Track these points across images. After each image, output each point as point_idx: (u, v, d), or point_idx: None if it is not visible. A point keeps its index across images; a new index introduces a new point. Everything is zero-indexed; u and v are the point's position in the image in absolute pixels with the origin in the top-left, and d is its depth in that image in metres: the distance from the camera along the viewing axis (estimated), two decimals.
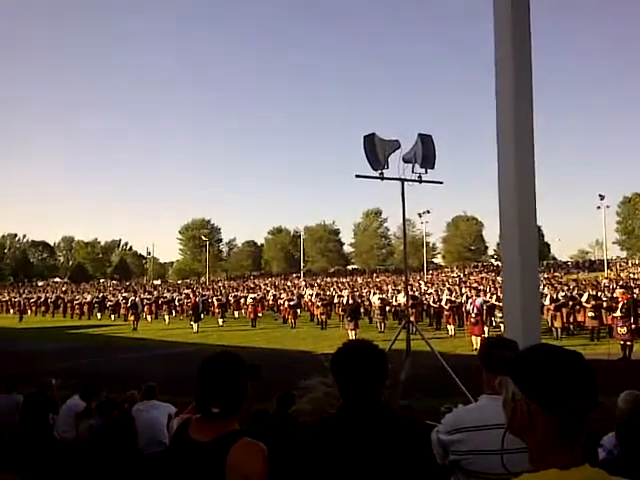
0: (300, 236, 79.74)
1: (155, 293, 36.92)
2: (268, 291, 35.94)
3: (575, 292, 21.30)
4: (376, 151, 8.19)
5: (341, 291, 30.79)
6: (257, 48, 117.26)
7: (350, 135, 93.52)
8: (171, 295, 33.83)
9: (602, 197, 55.97)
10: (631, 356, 13.61)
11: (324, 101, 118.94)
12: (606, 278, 39.74)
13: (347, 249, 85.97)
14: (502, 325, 7.47)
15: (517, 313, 4.03)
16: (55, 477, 5.50)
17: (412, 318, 15.63)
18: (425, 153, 8.27)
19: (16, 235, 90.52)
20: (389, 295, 26.56)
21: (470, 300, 18.39)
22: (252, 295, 28.62)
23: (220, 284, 59.27)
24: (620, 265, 63.92)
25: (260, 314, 26.76)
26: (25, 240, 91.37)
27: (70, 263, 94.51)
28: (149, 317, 29.48)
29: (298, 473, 2.04)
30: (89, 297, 36.76)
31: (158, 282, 76.81)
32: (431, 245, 78.28)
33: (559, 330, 17.97)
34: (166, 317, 28.94)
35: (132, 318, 25.93)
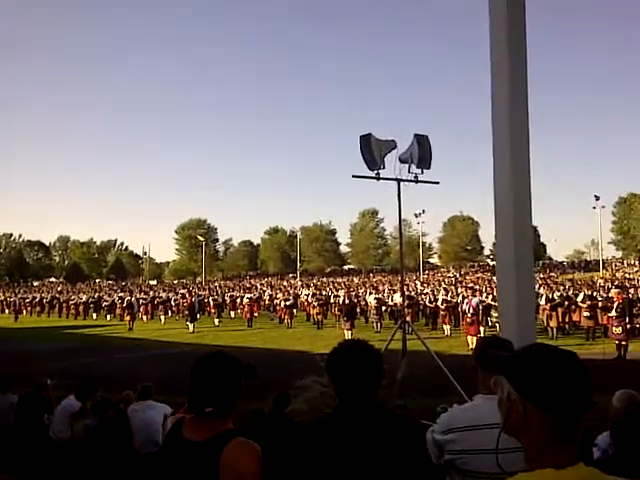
0: (296, 236, 79.78)
1: (151, 293, 36.79)
2: (264, 291, 35.88)
3: (571, 292, 21.32)
4: (372, 151, 8.21)
5: (337, 291, 30.77)
6: (257, 48, 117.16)
7: (347, 135, 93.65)
8: (167, 295, 33.74)
9: (597, 198, 56.25)
10: (626, 356, 13.66)
11: (321, 101, 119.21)
12: (601, 278, 39.84)
13: (343, 249, 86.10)
14: (498, 325, 7.49)
15: (512, 313, 4.04)
16: (51, 477, 5.49)
17: (408, 318, 15.67)
18: (421, 153, 8.29)
19: (11, 235, 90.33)
20: (385, 295, 26.55)
21: (466, 300, 18.42)
22: (248, 295, 28.56)
23: (216, 284, 59.19)
24: (615, 265, 64.18)
25: (256, 314, 26.72)
26: (20, 240, 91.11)
27: (66, 263, 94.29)
28: (145, 317, 29.40)
29: (294, 473, 2.04)
30: (85, 297, 36.65)
31: (154, 282, 76.69)
32: (427, 245, 78.46)
33: (555, 330, 18.02)
34: (162, 317, 28.88)
35: (128, 318, 25.89)
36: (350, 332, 18.84)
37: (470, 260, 76.40)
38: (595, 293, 20.04)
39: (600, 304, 17.33)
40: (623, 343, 13.85)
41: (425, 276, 58.66)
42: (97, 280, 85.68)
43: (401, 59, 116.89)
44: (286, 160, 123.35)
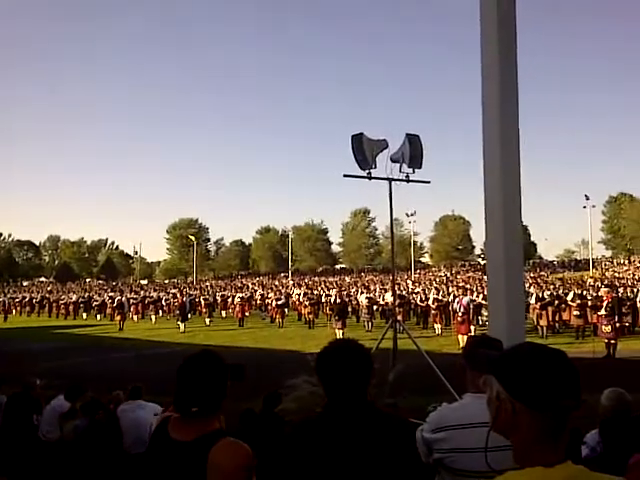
0: (288, 235, 79.73)
1: (142, 293, 36.68)
2: (256, 290, 35.84)
3: (561, 291, 21.48)
4: (364, 151, 8.22)
5: (329, 290, 30.81)
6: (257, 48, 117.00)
7: (339, 135, 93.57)
8: (158, 295, 33.65)
9: (587, 197, 56.72)
10: (615, 354, 13.76)
11: (319, 101, 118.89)
12: (591, 277, 40.11)
13: (335, 248, 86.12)
14: (488, 324, 7.52)
15: (502, 312, 4.05)
16: (40, 478, 5.46)
17: (399, 317, 15.71)
18: (412, 153, 8.31)
19: (1, 234, 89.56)
20: (377, 294, 26.62)
21: (457, 299, 18.51)
22: (240, 295, 28.53)
23: (207, 284, 59.07)
24: (605, 264, 64.61)
25: (248, 314, 26.69)
26: (10, 239, 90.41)
27: (56, 263, 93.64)
28: (135, 317, 29.31)
29: (284, 472, 2.04)
30: (75, 297, 36.48)
31: (145, 282, 76.36)
32: (419, 244, 78.68)
33: (545, 328, 18.13)
34: (153, 317, 28.80)
35: (118, 318, 25.77)
36: (341, 331, 18.85)
37: (461, 259, 76.67)
38: (585, 292, 20.19)
39: (590, 303, 17.47)
40: (612, 342, 13.95)
41: (416, 275, 58.83)
42: (87, 280, 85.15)
43: (400, 59, 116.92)
44: (278, 160, 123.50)
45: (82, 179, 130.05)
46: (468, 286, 26.31)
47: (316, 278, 60.54)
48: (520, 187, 4.37)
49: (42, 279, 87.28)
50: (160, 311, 30.34)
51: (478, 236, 76.08)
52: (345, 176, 8.52)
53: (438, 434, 2.18)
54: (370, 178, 8.35)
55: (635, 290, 21.12)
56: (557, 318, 19.08)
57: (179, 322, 23.71)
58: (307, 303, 24.96)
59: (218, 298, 31.90)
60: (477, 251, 77.51)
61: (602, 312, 14.71)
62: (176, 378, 2.19)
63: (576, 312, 17.58)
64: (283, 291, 32.69)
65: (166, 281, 76.94)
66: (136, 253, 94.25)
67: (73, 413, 5.91)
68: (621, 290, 21.52)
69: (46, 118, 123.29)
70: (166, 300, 31.55)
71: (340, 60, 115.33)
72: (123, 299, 28.83)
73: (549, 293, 19.93)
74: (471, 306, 17.75)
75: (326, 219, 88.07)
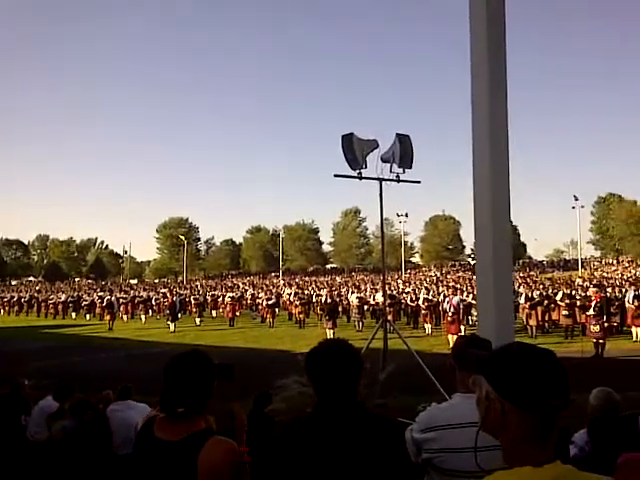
0: (279, 235, 79.62)
1: (131, 292, 36.48)
2: (246, 290, 35.77)
3: (550, 291, 21.60)
4: (354, 151, 8.23)
5: (319, 290, 30.81)
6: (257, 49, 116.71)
7: (330, 134, 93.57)
8: (148, 294, 33.49)
9: (576, 198, 57.08)
10: (603, 354, 13.85)
11: (304, 103, 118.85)
12: (580, 277, 40.38)
13: (326, 248, 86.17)
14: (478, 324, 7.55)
15: (491, 312, 4.07)
16: (28, 479, 5.41)
17: (390, 317, 15.73)
18: (403, 153, 8.33)
19: None
20: (367, 294, 26.64)
21: (447, 299, 18.55)
22: (230, 294, 28.44)
23: (198, 283, 58.88)
24: (594, 264, 65.11)
25: (238, 313, 26.63)
26: None
27: (45, 262, 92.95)
28: (125, 317, 29.17)
29: (274, 473, 2.04)
30: (64, 296, 36.18)
31: (135, 281, 75.98)
32: (409, 244, 78.90)
33: (534, 328, 18.22)
34: (142, 317, 28.67)
35: (108, 318, 25.62)
36: (332, 331, 18.85)
37: (451, 259, 76.96)
38: (574, 292, 20.31)
39: (578, 303, 17.57)
40: (601, 341, 14.04)
41: (407, 275, 58.99)
42: (77, 279, 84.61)
43: (390, 59, 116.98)
44: (269, 160, 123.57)
45: (72, 179, 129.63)
46: (458, 286, 26.39)
47: (307, 278, 60.56)
48: (509, 186, 4.38)
49: (31, 278, 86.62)
50: (150, 311, 30.20)
51: (468, 236, 76.46)
52: (336, 176, 8.53)
53: (427, 434, 2.18)
54: (360, 178, 8.36)
55: (623, 290, 21.27)
56: (546, 318, 19.18)
57: (169, 322, 23.61)
58: (298, 303, 24.94)
59: (208, 298, 31.76)
60: (467, 251, 77.84)
61: (591, 312, 14.80)
62: (163, 378, 2.18)
63: (565, 312, 17.68)
64: (274, 291, 32.64)
65: (156, 281, 76.58)
66: (126, 252, 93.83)
67: (62, 413, 5.87)
68: (609, 290, 21.66)
69: (40, 120, 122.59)
70: (156, 300, 31.41)
71: (333, 61, 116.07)
72: (112, 299, 28.65)
73: (538, 293, 20.01)
74: (461, 306, 17.81)
75: (317, 219, 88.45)
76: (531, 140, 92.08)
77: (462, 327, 17.37)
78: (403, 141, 8.38)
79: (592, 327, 14.36)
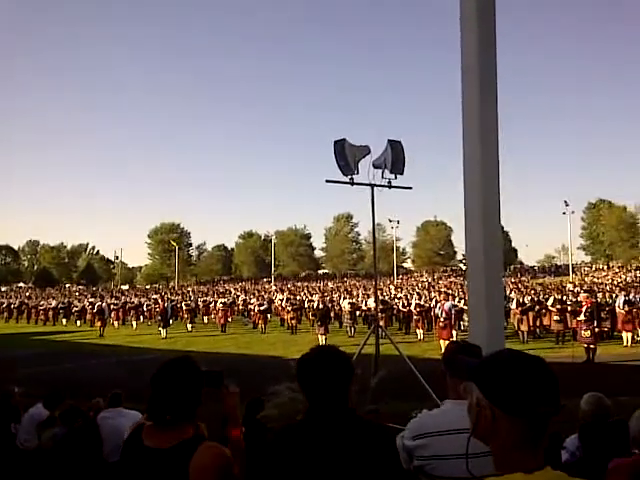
0: (271, 240, 79.47)
1: (122, 298, 36.35)
2: (238, 296, 35.71)
3: (541, 296, 21.68)
4: (346, 156, 8.26)
5: (311, 296, 30.80)
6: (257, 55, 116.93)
7: (322, 140, 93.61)
8: (139, 300, 33.37)
9: (567, 203, 57.40)
10: (594, 359, 13.92)
11: (296, 108, 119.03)
12: (571, 283, 40.58)
13: (318, 253, 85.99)
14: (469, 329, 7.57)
15: (482, 317, 4.08)
16: None
17: (382, 322, 15.73)
18: (394, 159, 8.37)
19: None
20: (359, 300, 26.66)
21: (439, 304, 18.60)
22: (222, 300, 28.38)
23: (189, 289, 58.68)
24: (584, 270, 65.43)
25: (230, 319, 26.56)
26: None
27: (35, 268, 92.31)
28: (116, 323, 29.01)
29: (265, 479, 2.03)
30: (54, 302, 36.00)
31: (126, 287, 75.62)
32: (401, 250, 78.97)
33: (525, 333, 18.29)
34: (134, 323, 28.54)
35: (99, 324, 25.52)
36: (324, 337, 18.83)
37: (443, 265, 77.10)
38: (565, 297, 20.41)
39: (569, 308, 17.66)
40: (592, 346, 14.11)
41: (399, 280, 59.07)
42: (67, 285, 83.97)
43: (390, 65, 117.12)
44: (261, 166, 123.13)
45: (63, 185, 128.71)
46: (450, 291, 26.47)
47: (299, 283, 60.52)
48: (499, 192, 4.40)
49: (21, 284, 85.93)
50: (141, 317, 30.06)
51: (460, 241, 76.35)
52: (327, 181, 8.55)
53: (418, 441, 2.18)
54: (352, 184, 8.39)
55: (614, 295, 21.38)
56: (537, 323, 19.26)
57: (160, 328, 23.52)
58: (290, 308, 24.91)
59: (200, 304, 31.67)
60: (459, 256, 78.02)
61: (581, 317, 14.89)
62: (150, 385, 2.17)
63: (556, 317, 17.76)
64: (266, 296, 32.64)
65: (147, 286, 76.21)
66: (117, 258, 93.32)
67: (52, 421, 5.82)
68: (600, 295, 21.77)
69: (31, 127, 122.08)
70: (147, 306, 31.28)
71: (327, 66, 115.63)
72: (104, 305, 28.55)
73: (530, 298, 20.11)
74: (453, 311, 17.84)
75: (309, 224, 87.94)
76: (522, 145, 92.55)
77: (454, 332, 17.41)
78: (395, 147, 8.42)
79: (583, 332, 14.42)
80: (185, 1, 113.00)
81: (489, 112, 4.42)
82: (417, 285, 45.41)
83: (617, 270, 58.93)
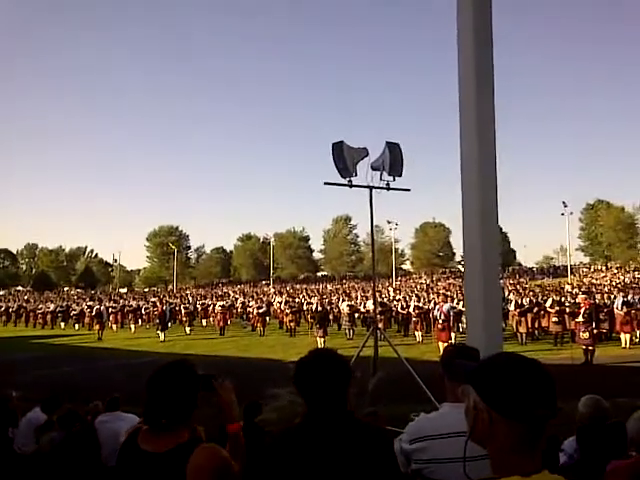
0: (270, 243, 79.47)
1: (121, 301, 36.27)
2: (237, 299, 35.65)
3: (540, 298, 21.68)
4: (344, 159, 8.26)
5: (310, 298, 30.77)
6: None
7: (321, 142, 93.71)
8: (137, 303, 33.28)
9: (565, 204, 57.49)
10: (593, 360, 13.91)
11: (294, 109, 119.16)
12: (569, 284, 40.62)
13: (317, 256, 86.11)
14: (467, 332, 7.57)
15: (480, 319, 4.08)
16: None
17: (380, 325, 15.73)
18: (393, 161, 8.38)
19: None
20: (358, 302, 26.64)
21: (437, 306, 18.58)
22: (220, 303, 28.35)
23: (188, 292, 58.63)
24: (583, 271, 65.50)
25: (229, 322, 26.53)
26: None
27: (33, 271, 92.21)
28: (114, 326, 28.96)
29: None
30: (52, 306, 35.89)
31: (124, 290, 75.52)
32: (400, 251, 79.05)
33: (524, 335, 18.28)
34: (132, 326, 28.48)
35: (97, 327, 25.47)
36: (323, 339, 18.82)
37: (442, 266, 77.15)
38: (563, 299, 20.40)
39: (568, 310, 17.64)
40: (590, 348, 14.10)
41: (398, 282, 59.09)
42: (66, 288, 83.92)
43: (376, 63, 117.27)
44: (260, 167, 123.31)
45: (61, 188, 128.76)
46: (448, 293, 26.47)
47: (297, 286, 60.52)
48: (497, 193, 4.39)
49: (19, 288, 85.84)
50: (140, 320, 29.99)
51: (458, 243, 75.82)
52: (326, 184, 8.55)
53: (416, 444, 2.18)
54: (351, 186, 8.39)
55: (612, 297, 21.39)
56: (536, 325, 19.25)
57: (159, 331, 23.47)
58: (288, 311, 24.89)
59: (199, 307, 31.62)
60: (457, 258, 78.05)
61: (580, 319, 14.87)
62: (146, 389, 2.17)
63: (555, 319, 17.74)
64: (264, 299, 32.57)
65: (146, 289, 76.18)
66: (115, 261, 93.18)
67: (50, 425, 5.81)
68: (598, 297, 21.78)
69: (31, 131, 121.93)
70: (146, 309, 31.19)
71: (317, 67, 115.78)
72: (102, 308, 28.49)
73: (528, 300, 20.10)
74: (451, 313, 17.83)
75: (307, 226, 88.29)
76: (520, 146, 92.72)
77: (453, 334, 17.39)
78: (393, 149, 8.43)
79: (581, 334, 14.42)
80: (184, 2, 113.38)
81: (486, 112, 4.43)
82: (416, 287, 45.44)
83: (615, 271, 58.97)
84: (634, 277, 46.64)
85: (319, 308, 21.67)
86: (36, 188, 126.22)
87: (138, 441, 2.15)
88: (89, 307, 31.52)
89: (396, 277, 65.39)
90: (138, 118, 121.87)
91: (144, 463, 2.08)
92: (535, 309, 19.15)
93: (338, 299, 29.72)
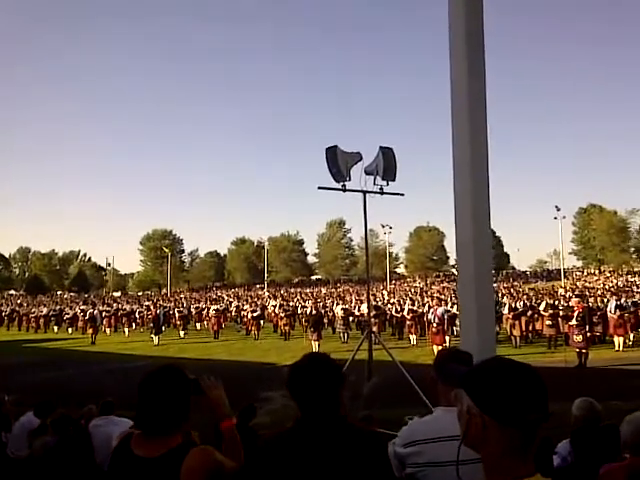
0: (264, 246, 79.39)
1: (114, 305, 36.19)
2: (231, 302, 35.63)
3: (533, 301, 21.76)
4: (338, 163, 8.29)
5: (304, 302, 30.78)
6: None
7: (315, 146, 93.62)
8: (131, 307, 33.23)
9: (558, 208, 57.68)
10: (586, 363, 13.96)
11: (288, 113, 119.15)
12: (562, 287, 40.77)
13: (311, 259, 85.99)
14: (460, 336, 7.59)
15: (473, 323, 4.08)
16: None
17: (375, 328, 15.74)
18: (386, 165, 8.41)
19: None
20: (352, 305, 26.66)
21: (432, 310, 18.61)
22: (215, 306, 28.30)
23: (182, 295, 58.49)
24: (576, 274, 65.77)
25: (223, 326, 26.47)
26: None
27: (26, 275, 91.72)
28: (108, 330, 28.83)
29: None
30: (45, 310, 35.77)
31: (118, 294, 75.27)
32: (394, 255, 79.08)
33: (518, 338, 18.34)
34: (126, 330, 28.38)
35: (90, 331, 25.37)
36: (317, 343, 18.78)
37: (436, 270, 77.27)
38: (557, 302, 20.48)
39: (561, 313, 17.70)
40: (583, 351, 14.14)
41: (392, 286, 59.14)
42: (59, 292, 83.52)
43: (371, 68, 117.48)
44: (253, 172, 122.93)
45: (54, 191, 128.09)
46: (443, 297, 26.54)
47: (292, 289, 60.51)
48: (489, 195, 4.40)
49: (12, 292, 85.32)
50: (133, 324, 29.91)
51: (452, 247, 75.73)
52: (320, 188, 8.57)
53: (410, 448, 2.18)
54: (344, 190, 8.41)
55: (605, 300, 21.50)
56: (530, 328, 19.31)
57: (153, 335, 23.38)
58: (283, 315, 24.86)
59: (193, 310, 31.56)
60: (451, 262, 78.19)
61: (573, 322, 14.90)
62: (137, 394, 2.16)
63: (548, 322, 17.79)
64: (259, 303, 32.56)
65: (140, 293, 75.95)
66: (109, 265, 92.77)
67: (43, 429, 5.78)
68: (591, 300, 21.87)
69: (30, 136, 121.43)
70: (139, 313, 31.13)
71: (312, 72, 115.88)
72: (95, 312, 28.42)
73: (522, 303, 20.17)
74: (446, 317, 17.84)
75: (302, 230, 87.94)
76: (513, 150, 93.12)
77: (447, 338, 17.41)
78: (386, 154, 8.46)
79: (575, 337, 14.46)
80: (184, 5, 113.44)
81: (478, 116, 4.43)
82: (410, 290, 45.50)
83: (608, 275, 59.31)
84: (627, 280, 46.91)
85: (313, 312, 21.65)
86: (30, 192, 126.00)
87: (131, 446, 2.14)
88: (82, 311, 31.41)
89: (390, 281, 65.43)
90: (134, 123, 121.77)
91: (137, 468, 2.08)
92: (529, 312, 19.20)
93: (332, 303, 29.73)
